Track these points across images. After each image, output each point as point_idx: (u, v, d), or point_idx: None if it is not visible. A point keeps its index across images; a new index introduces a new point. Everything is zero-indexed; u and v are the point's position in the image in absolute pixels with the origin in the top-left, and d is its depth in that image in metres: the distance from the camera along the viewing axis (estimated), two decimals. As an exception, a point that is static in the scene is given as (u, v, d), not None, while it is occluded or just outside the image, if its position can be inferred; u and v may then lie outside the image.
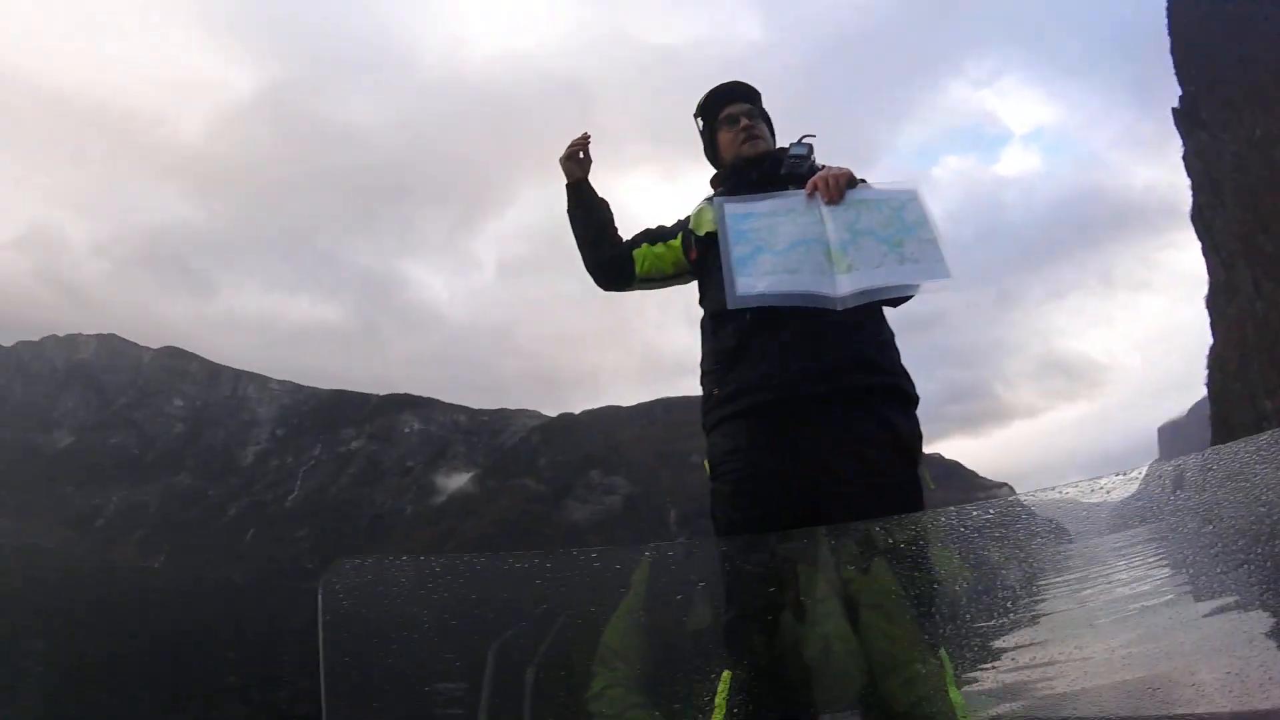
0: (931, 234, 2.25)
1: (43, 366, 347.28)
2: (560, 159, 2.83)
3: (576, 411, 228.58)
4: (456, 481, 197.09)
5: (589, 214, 2.84)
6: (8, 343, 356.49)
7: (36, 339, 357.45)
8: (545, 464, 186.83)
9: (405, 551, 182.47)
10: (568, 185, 2.86)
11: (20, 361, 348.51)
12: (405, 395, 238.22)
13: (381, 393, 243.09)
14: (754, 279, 2.23)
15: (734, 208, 2.39)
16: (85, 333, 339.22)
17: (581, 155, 2.84)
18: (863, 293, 2.16)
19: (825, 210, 2.31)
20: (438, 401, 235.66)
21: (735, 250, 2.29)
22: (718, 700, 2.01)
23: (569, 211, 2.86)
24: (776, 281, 2.21)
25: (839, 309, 2.17)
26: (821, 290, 2.18)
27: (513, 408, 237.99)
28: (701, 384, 2.54)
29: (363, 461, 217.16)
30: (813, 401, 2.24)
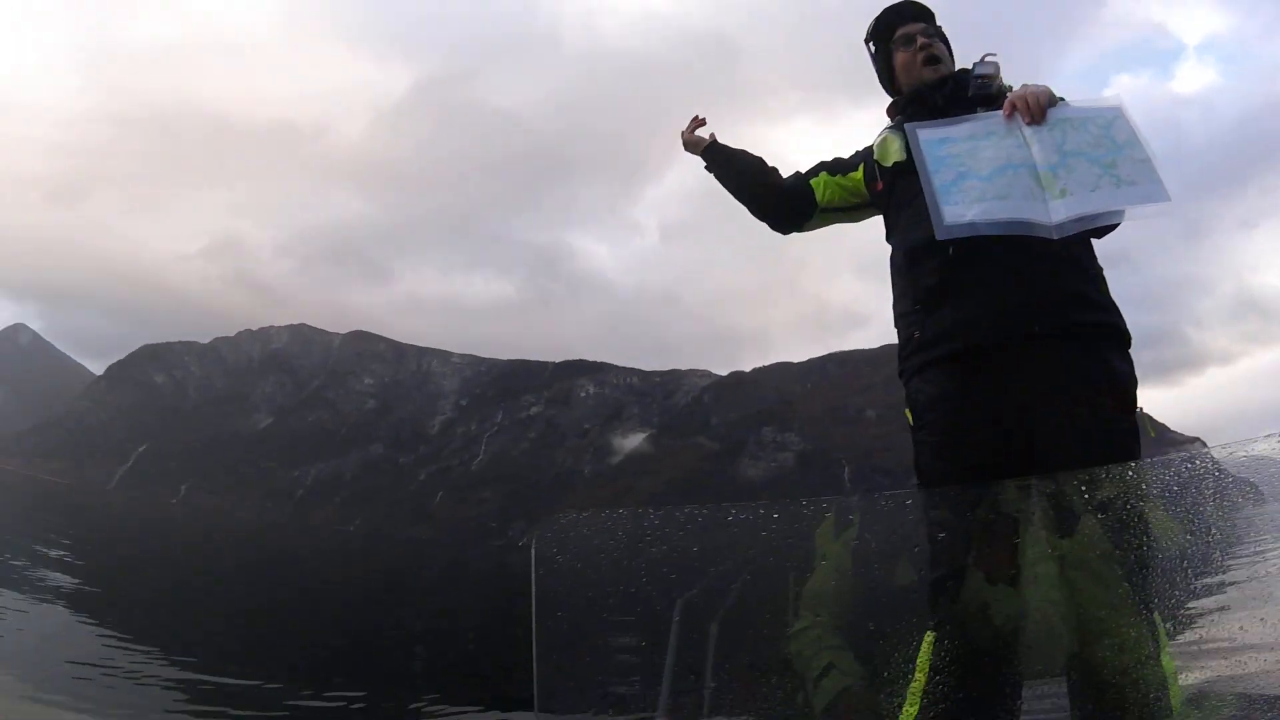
0: (1144, 153, 2.27)
1: (240, 358, 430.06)
2: (683, 146, 3.16)
3: (747, 369, 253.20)
4: (632, 442, 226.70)
5: (732, 163, 3.07)
6: (206, 340, 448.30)
7: (233, 334, 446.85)
8: (718, 422, 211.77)
9: (585, 509, 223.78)
10: (702, 154, 3.13)
11: (219, 355, 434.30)
12: (580, 361, 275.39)
13: (557, 360, 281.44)
14: (961, 207, 2.30)
15: (929, 133, 2.47)
16: (277, 324, 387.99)
17: (699, 132, 3.16)
18: (1079, 219, 2.21)
19: (1028, 131, 2.36)
20: (611, 365, 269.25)
21: (937, 178, 2.37)
22: (919, 661, 2.14)
23: (717, 178, 3.08)
24: (986, 209, 2.27)
25: (1054, 237, 2.22)
26: (1035, 217, 2.23)
27: (684, 368, 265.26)
28: (898, 327, 2.62)
29: (542, 425, 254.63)
30: (1026, 341, 2.28)
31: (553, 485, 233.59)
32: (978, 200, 2.28)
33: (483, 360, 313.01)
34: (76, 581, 17.60)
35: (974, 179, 2.32)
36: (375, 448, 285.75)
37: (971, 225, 2.25)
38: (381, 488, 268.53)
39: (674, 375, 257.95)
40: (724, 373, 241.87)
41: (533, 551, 2.41)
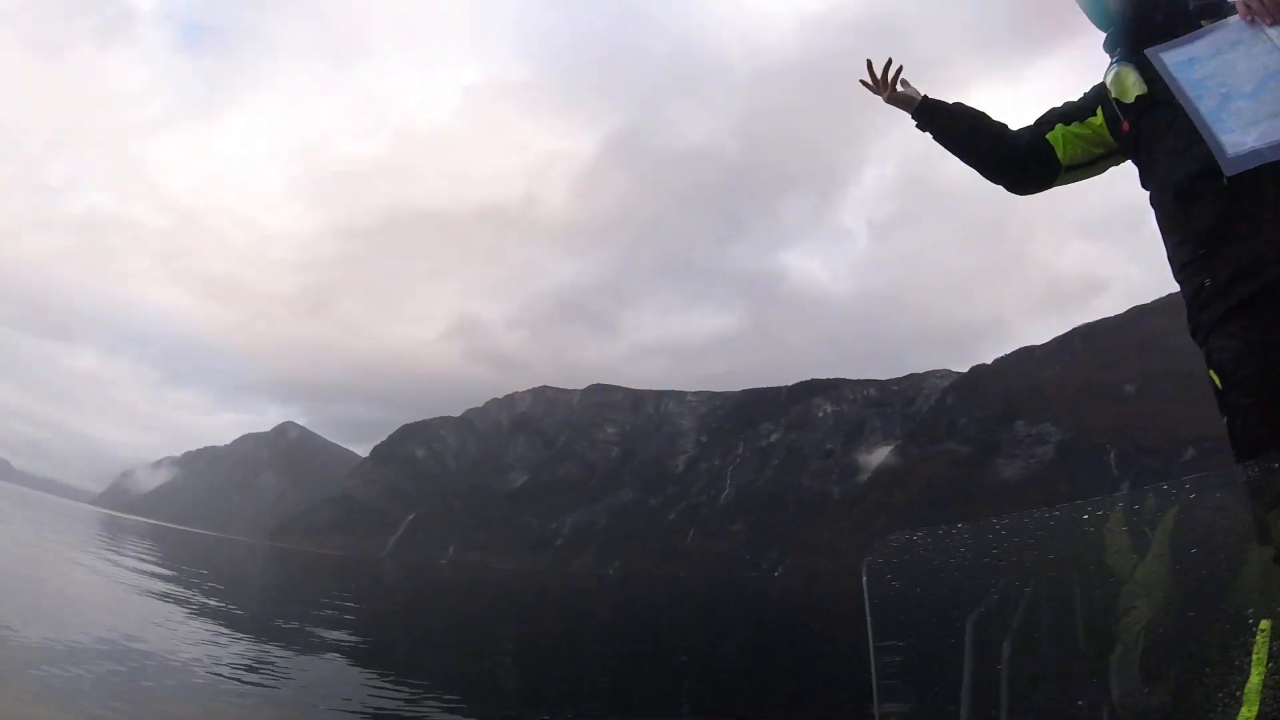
0: None
1: (490, 425, 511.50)
2: (885, 100, 3.20)
3: (988, 361, 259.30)
4: (877, 456, 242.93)
5: (955, 122, 3.08)
6: (458, 413, 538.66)
7: (481, 404, 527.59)
8: (965, 423, 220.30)
9: (835, 533, 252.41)
10: (913, 114, 3.17)
11: (471, 425, 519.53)
12: (812, 380, 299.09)
13: (790, 383, 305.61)
14: (1239, 134, 2.22)
15: (1172, 55, 2.40)
16: (519, 390, 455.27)
17: (901, 85, 3.20)
18: None
19: (1273, 33, 2.29)
20: (845, 380, 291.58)
21: (1202, 104, 2.30)
22: (1256, 654, 2.05)
23: (937, 139, 3.10)
24: (1265, 131, 2.19)
25: None
26: None
27: (921, 371, 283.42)
28: (1180, 280, 2.51)
29: (783, 451, 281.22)
30: None
31: (801, 511, 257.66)
32: (1252, 123, 2.20)
33: (716, 395, 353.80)
34: (356, 638, 20.82)
35: (1240, 99, 2.25)
36: (624, 493, 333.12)
37: (1256, 153, 2.18)
38: (634, 530, 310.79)
39: (912, 380, 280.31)
40: (964, 369, 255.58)
41: (864, 576, 2.55)
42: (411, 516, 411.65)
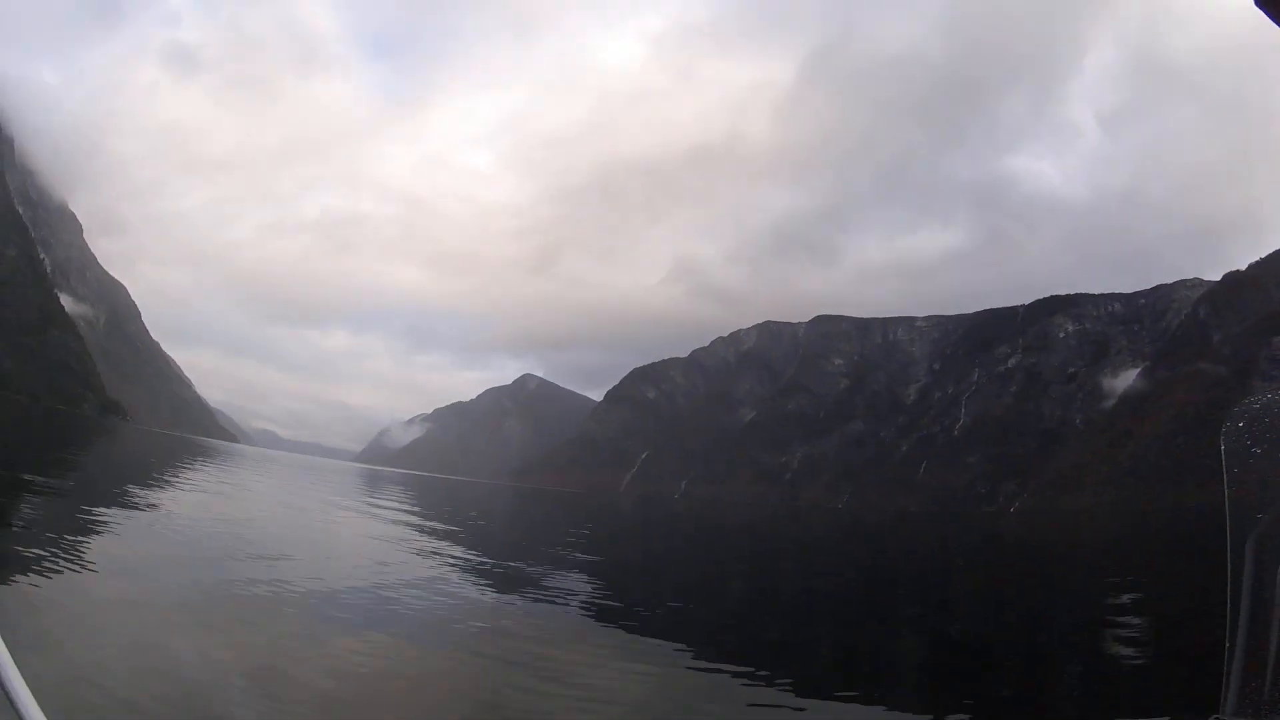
0: None
1: (717, 363, 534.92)
2: None
3: (1242, 266, 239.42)
4: (1123, 380, 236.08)
5: None
6: (685, 353, 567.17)
7: (707, 343, 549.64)
8: (1220, 339, 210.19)
9: (1077, 465, 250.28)
10: None
11: (699, 364, 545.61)
12: (1051, 297, 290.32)
13: (1026, 301, 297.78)
14: None
15: None
16: (744, 326, 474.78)
17: None
18: None
19: None
20: (1086, 295, 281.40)
21: None
22: None
23: None
24: None
25: None
26: None
27: (1169, 280, 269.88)
28: None
29: (1022, 376, 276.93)
30: None
31: (1042, 441, 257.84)
32: None
33: (948, 318, 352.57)
34: (594, 559, 23.37)
35: None
36: (854, 425, 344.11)
37: None
38: (865, 462, 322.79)
39: (1160, 292, 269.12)
40: (1217, 276, 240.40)
41: (1221, 446, 2.16)
42: (645, 454, 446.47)
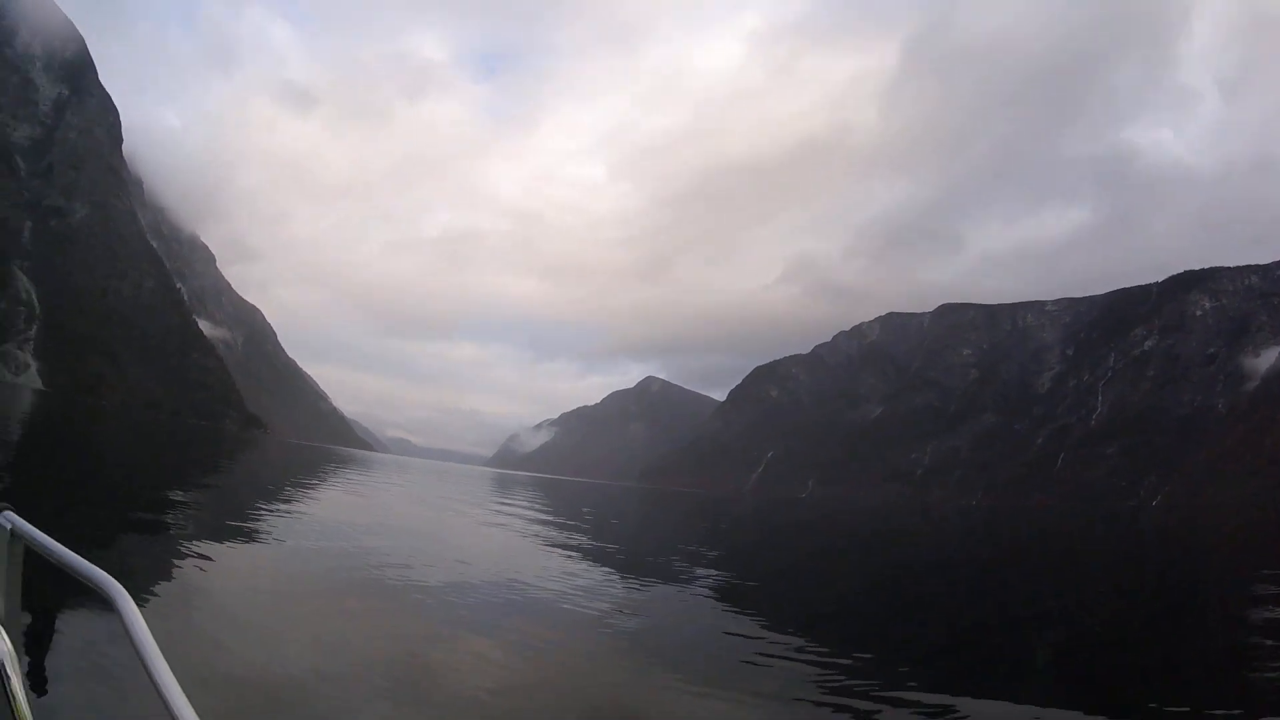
0: None
1: (840, 358, 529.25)
2: None
3: None
4: (1266, 359, 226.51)
5: None
6: (807, 350, 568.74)
7: (829, 339, 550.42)
8: None
9: (1221, 454, 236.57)
10: None
11: (821, 360, 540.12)
12: (1185, 273, 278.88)
13: (1160, 278, 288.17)
14: None
15: None
16: (866, 320, 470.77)
17: None
18: None
19: None
20: (1223, 269, 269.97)
21: None
22: None
23: None
24: None
25: None
26: None
27: None
28: None
29: (1160, 360, 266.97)
30: None
31: (1182, 429, 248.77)
32: None
33: (1079, 301, 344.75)
34: (719, 574, 22.23)
35: None
36: (986, 417, 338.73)
37: None
38: (998, 457, 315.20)
39: None
40: None
41: None
42: (770, 454, 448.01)
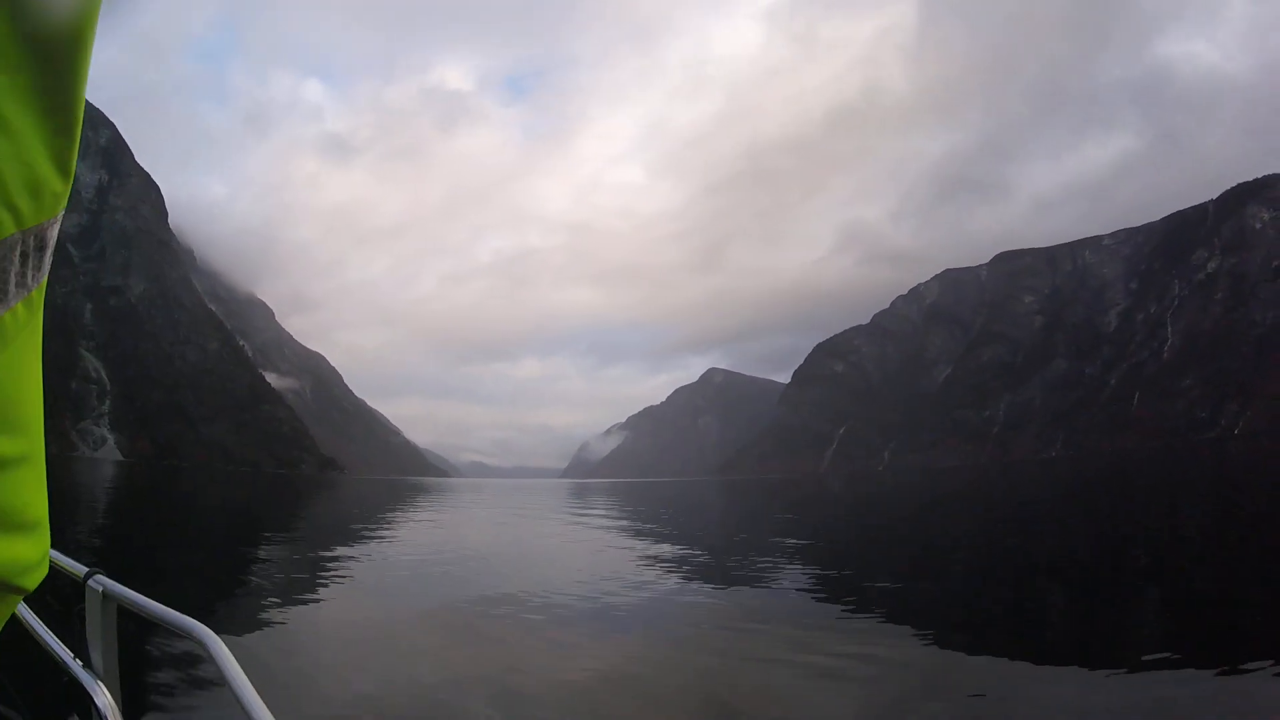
0: None
1: (902, 324, 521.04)
2: None
3: None
4: None
5: None
6: (867, 320, 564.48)
7: (888, 305, 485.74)
8: None
9: None
10: None
11: (883, 328, 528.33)
12: (1239, 185, 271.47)
13: (1214, 195, 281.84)
14: None
15: None
16: (923, 280, 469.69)
17: None
18: None
19: None
20: (1276, 176, 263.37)
21: None
22: None
23: None
24: None
25: None
26: None
27: None
28: None
29: (1226, 280, 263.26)
30: None
31: (1259, 350, 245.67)
32: None
33: (1136, 230, 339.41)
34: (802, 560, 21.94)
35: None
36: (1057, 364, 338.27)
37: None
38: (1074, 404, 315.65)
39: None
40: None
41: None
42: (843, 430, 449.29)
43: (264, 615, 13.08)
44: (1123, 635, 11.81)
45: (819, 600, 16.17)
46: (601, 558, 24.20)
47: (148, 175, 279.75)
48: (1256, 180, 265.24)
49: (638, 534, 33.07)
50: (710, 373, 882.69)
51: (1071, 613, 14.02)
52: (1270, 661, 9.09)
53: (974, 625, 13.11)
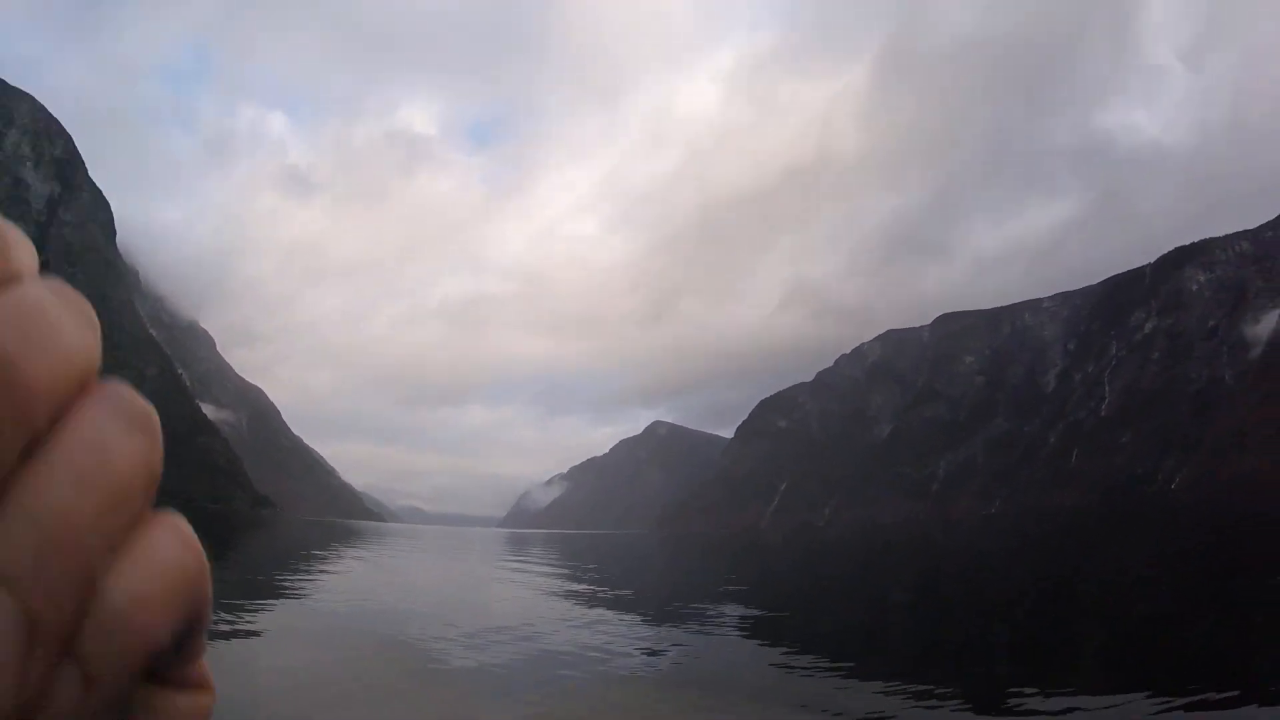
0: None
1: (845, 381, 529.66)
2: None
3: None
4: (1267, 324, 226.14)
5: None
6: (810, 377, 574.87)
7: (831, 363, 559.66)
8: None
9: (1234, 425, 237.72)
10: None
11: (826, 385, 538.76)
12: (1176, 249, 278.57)
13: (1153, 258, 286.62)
14: None
15: None
16: (866, 340, 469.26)
17: None
18: None
19: None
20: (1213, 239, 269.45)
21: None
22: None
23: None
24: None
25: None
26: None
27: None
28: None
29: (1162, 340, 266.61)
30: None
31: (1194, 407, 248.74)
32: None
33: (1074, 293, 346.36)
34: (746, 609, 22.36)
35: None
36: (997, 423, 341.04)
37: None
38: (1013, 462, 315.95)
39: None
40: None
41: None
42: (784, 485, 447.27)
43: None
44: (1065, 685, 11.71)
45: (761, 646, 16.31)
46: (534, 607, 23.95)
47: (100, 192, 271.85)
48: (1193, 244, 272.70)
49: (572, 585, 32.33)
50: (655, 425, 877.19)
51: (1016, 666, 14.16)
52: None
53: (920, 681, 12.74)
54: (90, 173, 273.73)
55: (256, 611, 17.72)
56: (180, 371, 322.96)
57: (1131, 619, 16.19)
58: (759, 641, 16.55)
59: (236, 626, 15.25)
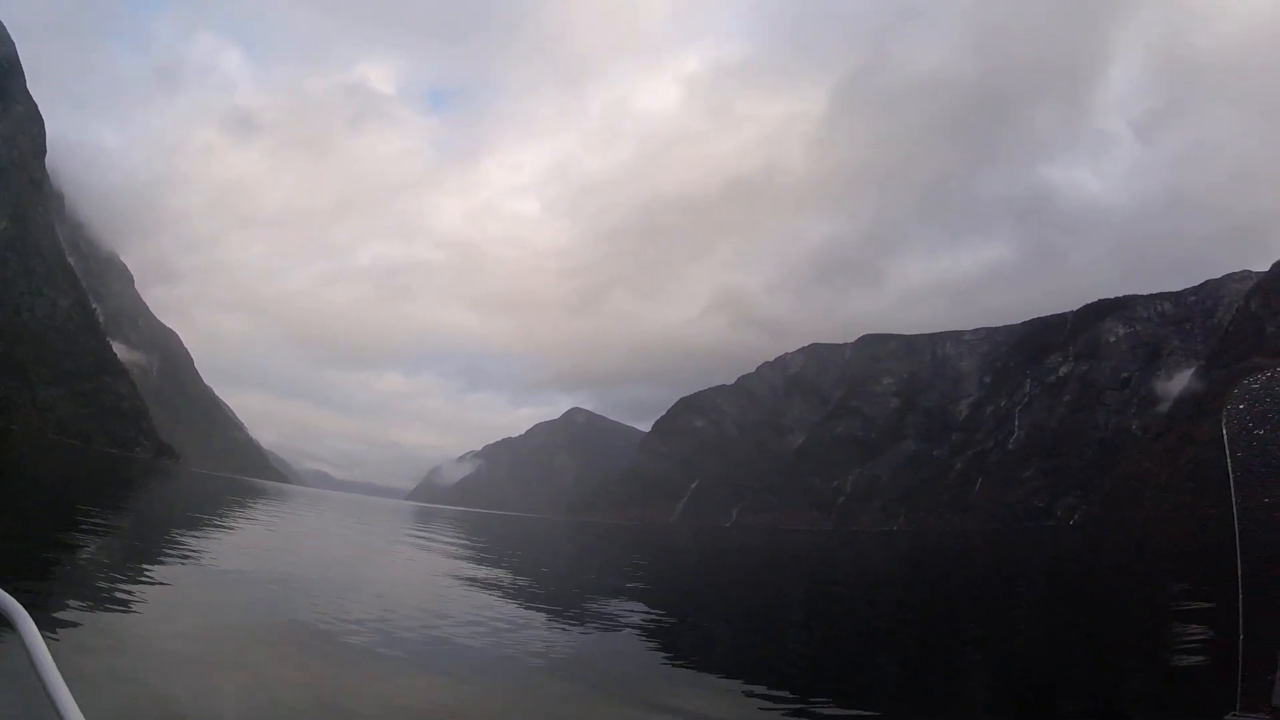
0: None
1: (765, 389, 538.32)
2: None
3: None
4: (1178, 382, 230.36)
5: None
6: (732, 381, 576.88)
7: (753, 370, 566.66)
8: (1273, 331, 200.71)
9: (1136, 473, 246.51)
10: None
11: (746, 391, 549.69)
12: (1099, 301, 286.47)
13: (1075, 307, 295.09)
14: None
15: None
16: (790, 351, 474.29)
17: None
18: None
19: None
20: (1135, 297, 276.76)
21: None
22: None
23: None
24: None
25: None
26: None
27: (1217, 276, 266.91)
28: None
29: (1075, 385, 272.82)
30: None
31: (1099, 451, 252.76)
32: None
33: (996, 330, 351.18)
34: (645, 608, 22.04)
35: None
36: (906, 444, 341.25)
37: None
38: (919, 483, 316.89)
39: (1208, 288, 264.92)
40: (1265, 266, 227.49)
41: (1224, 429, 2.13)
42: (695, 484, 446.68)
43: (77, 605, 12.14)
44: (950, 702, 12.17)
45: (640, 650, 15.83)
46: (435, 586, 23.62)
47: (35, 106, 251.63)
48: (1116, 299, 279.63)
49: (478, 566, 31.96)
50: (573, 412, 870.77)
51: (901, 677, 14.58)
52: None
53: (791, 674, 13.83)
54: (29, 84, 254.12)
55: (147, 572, 16.71)
56: (94, 306, 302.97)
57: (1008, 642, 17.02)
58: (652, 644, 16.50)
59: (123, 587, 14.31)
